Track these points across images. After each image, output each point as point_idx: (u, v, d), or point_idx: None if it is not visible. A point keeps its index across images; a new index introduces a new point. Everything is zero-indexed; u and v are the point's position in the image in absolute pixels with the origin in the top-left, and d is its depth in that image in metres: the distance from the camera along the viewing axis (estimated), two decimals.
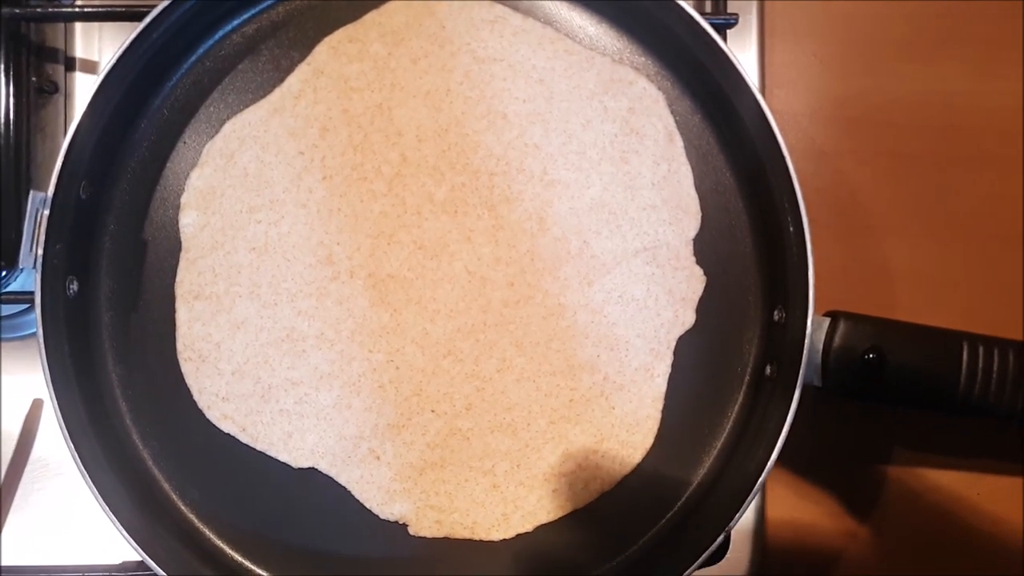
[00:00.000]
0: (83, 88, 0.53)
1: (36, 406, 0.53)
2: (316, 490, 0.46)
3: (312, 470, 0.45)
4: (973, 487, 0.51)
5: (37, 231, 0.41)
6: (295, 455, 0.45)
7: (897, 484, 0.51)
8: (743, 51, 0.52)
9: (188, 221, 0.46)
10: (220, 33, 0.47)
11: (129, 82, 0.45)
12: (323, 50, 0.46)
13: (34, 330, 0.52)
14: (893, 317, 0.44)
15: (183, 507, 0.46)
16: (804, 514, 0.52)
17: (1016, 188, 0.53)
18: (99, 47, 0.54)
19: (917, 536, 0.51)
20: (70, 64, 0.53)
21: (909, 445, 0.52)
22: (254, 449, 0.46)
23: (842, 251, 0.53)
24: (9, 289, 0.50)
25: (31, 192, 0.42)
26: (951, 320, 0.45)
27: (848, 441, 0.52)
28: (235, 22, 0.47)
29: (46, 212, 0.42)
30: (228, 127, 0.46)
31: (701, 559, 0.42)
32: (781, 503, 0.51)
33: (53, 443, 0.52)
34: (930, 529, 0.52)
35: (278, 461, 0.45)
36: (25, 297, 0.48)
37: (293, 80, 0.46)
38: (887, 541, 0.51)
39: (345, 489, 0.46)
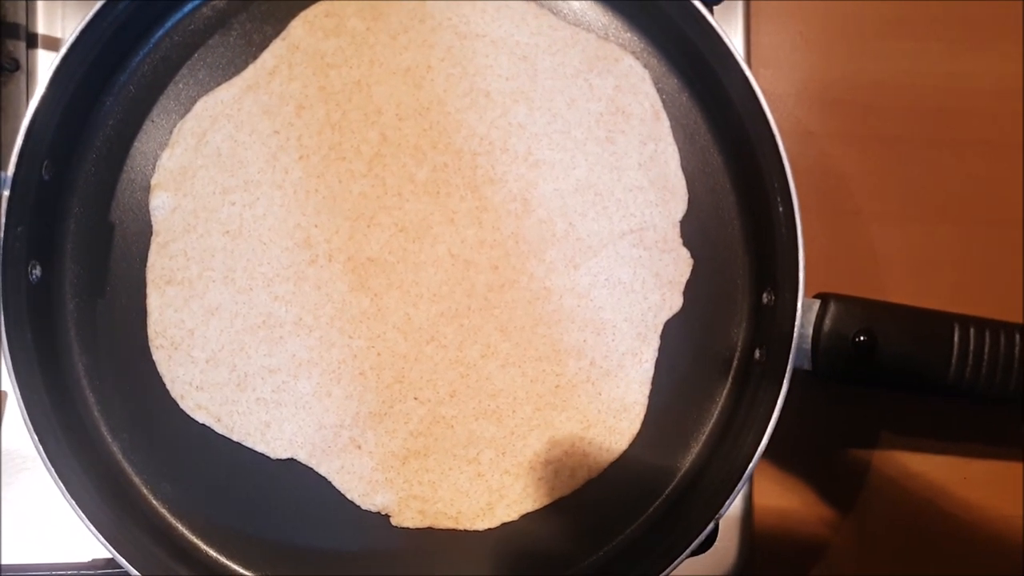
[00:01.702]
0: (45, 66, 0.51)
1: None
2: (295, 482, 0.44)
3: (291, 461, 0.44)
4: (959, 474, 0.51)
5: None
6: (273, 446, 0.44)
7: (884, 469, 0.51)
8: (729, 31, 0.51)
9: (158, 203, 0.44)
10: (189, 6, 0.46)
11: (93, 57, 0.43)
12: (298, 24, 0.45)
13: None
14: (883, 299, 0.44)
15: (155, 502, 0.45)
16: (791, 500, 0.51)
17: (1004, 170, 0.53)
18: (62, 24, 0.52)
19: (904, 521, 0.51)
20: (32, 41, 0.51)
21: (896, 430, 0.51)
22: (230, 440, 0.44)
23: (829, 233, 0.52)
24: None
25: None
26: (939, 302, 0.44)
27: (835, 426, 0.51)
28: None
29: (6, 192, 0.40)
30: (199, 105, 0.44)
31: (690, 548, 0.41)
32: (768, 489, 0.51)
33: (18, 436, 0.50)
34: (916, 517, 0.51)
35: (255, 452, 0.44)
36: None
37: (267, 56, 0.45)
38: (874, 526, 0.51)
39: (325, 480, 0.44)
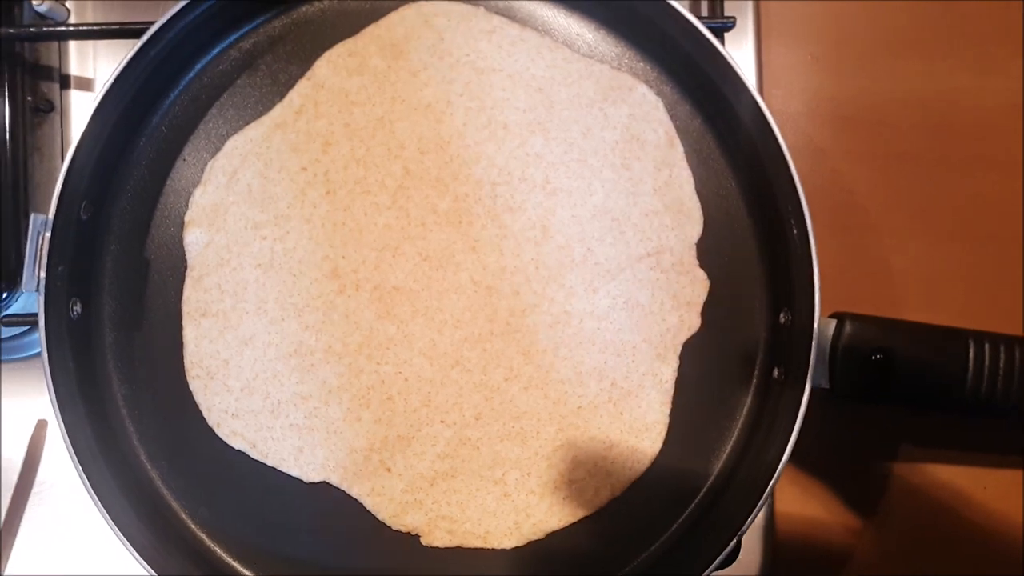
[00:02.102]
0: (79, 106, 0.53)
1: (40, 427, 0.52)
2: (328, 504, 0.45)
3: (323, 484, 0.45)
4: (979, 483, 0.52)
5: (39, 254, 0.41)
6: (306, 470, 0.45)
7: (903, 481, 0.52)
8: (740, 52, 0.53)
9: (192, 239, 0.46)
10: (217, 49, 0.47)
11: (127, 100, 0.45)
12: (323, 64, 0.46)
13: (36, 351, 0.53)
14: (896, 316, 0.45)
15: (193, 526, 0.46)
16: (813, 507, 0.52)
17: (1015, 187, 0.53)
18: (94, 65, 0.54)
19: (924, 532, 0.52)
20: (65, 82, 0.53)
21: (915, 442, 0.52)
22: (265, 465, 0.45)
23: (841, 250, 0.53)
24: (11, 311, 0.49)
25: (32, 215, 0.41)
26: (952, 318, 0.45)
27: (854, 439, 0.52)
28: (232, 37, 0.47)
29: (47, 234, 0.41)
30: (230, 144, 0.46)
31: (715, 564, 0.42)
32: (790, 495, 0.51)
33: (58, 465, 0.52)
34: (937, 525, 0.52)
35: (289, 476, 0.45)
36: (28, 319, 0.48)
37: (294, 95, 0.46)
38: (894, 537, 0.52)
39: (357, 502, 0.46)
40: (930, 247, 0.53)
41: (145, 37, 0.43)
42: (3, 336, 0.52)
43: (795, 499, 0.52)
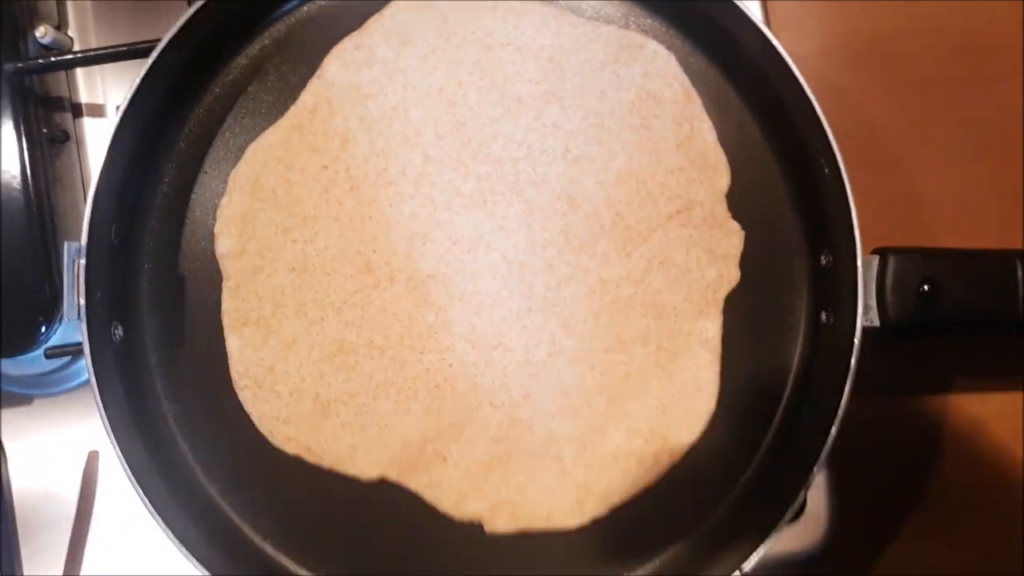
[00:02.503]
0: (93, 133, 0.53)
1: (92, 458, 0.53)
2: (388, 501, 0.45)
3: (382, 481, 0.45)
4: None
5: (76, 281, 0.41)
6: (362, 468, 0.45)
7: (960, 414, 0.51)
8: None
9: (224, 250, 0.46)
10: (225, 59, 0.47)
11: (143, 122, 0.45)
12: (331, 61, 0.46)
13: (76, 382, 0.53)
14: (935, 246, 0.44)
15: (257, 539, 0.46)
16: (868, 454, 0.51)
17: None
18: (103, 90, 0.54)
19: (982, 467, 0.51)
20: (77, 111, 0.53)
21: (967, 372, 0.51)
22: (321, 468, 0.45)
23: (871, 186, 0.51)
24: (52, 344, 0.50)
25: (65, 243, 0.41)
26: (991, 240, 0.44)
27: (904, 375, 0.51)
28: (238, 45, 0.47)
29: (82, 261, 0.41)
30: (250, 151, 0.46)
31: (784, 519, 0.41)
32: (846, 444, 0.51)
33: (114, 494, 0.52)
34: (995, 456, 0.51)
35: (346, 477, 0.45)
36: (71, 349, 0.48)
37: (306, 95, 0.46)
38: (955, 472, 0.51)
39: (417, 496, 0.45)
40: (960, 171, 0.52)
41: (153, 56, 0.43)
42: (45, 371, 0.52)
43: (852, 442, 0.51)
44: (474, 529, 0.45)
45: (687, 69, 0.47)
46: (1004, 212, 0.51)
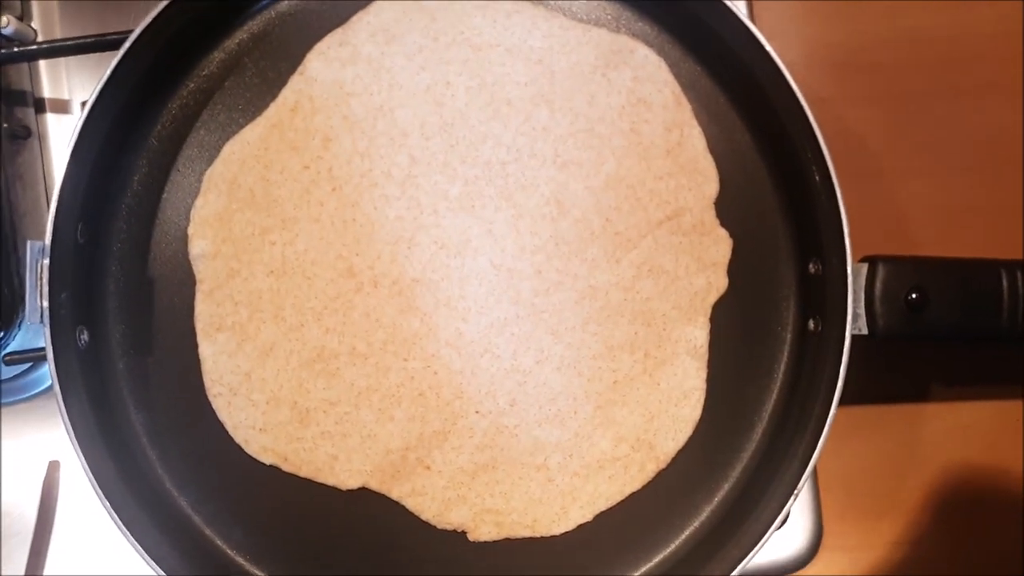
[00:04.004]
0: (57, 130, 0.51)
1: (52, 469, 0.50)
2: (369, 511, 0.44)
3: (362, 491, 0.44)
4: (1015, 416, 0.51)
5: (39, 282, 0.39)
6: (342, 477, 0.44)
7: (944, 421, 0.51)
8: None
9: (198, 252, 0.44)
10: (200, 52, 0.45)
11: (112, 117, 0.42)
12: (313, 57, 0.45)
13: (37, 390, 0.50)
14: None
15: (230, 551, 0.44)
16: (853, 461, 0.51)
17: (1018, 111, 0.53)
18: (68, 85, 0.52)
19: (960, 464, 0.51)
20: (40, 106, 0.51)
21: (951, 381, 0.52)
22: (299, 478, 0.44)
23: (856, 196, 0.51)
24: (10, 349, 0.47)
25: (28, 242, 0.39)
26: (975, 250, 0.45)
27: (891, 383, 0.52)
28: (214, 38, 0.45)
29: (46, 261, 0.39)
30: (226, 150, 0.44)
31: (772, 528, 0.41)
32: (828, 453, 0.51)
33: (76, 506, 0.50)
34: (976, 463, 0.52)
35: (325, 487, 0.44)
36: (33, 355, 0.45)
37: (287, 92, 0.44)
38: (937, 478, 0.51)
39: (399, 505, 0.44)
40: (944, 182, 0.53)
41: (125, 47, 0.41)
42: (4, 377, 0.49)
43: (833, 450, 0.51)
44: (457, 538, 0.44)
45: (677, 75, 0.46)
46: (987, 223, 0.52)
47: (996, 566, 0.50)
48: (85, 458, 0.39)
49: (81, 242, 0.42)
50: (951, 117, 0.53)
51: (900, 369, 0.52)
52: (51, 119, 0.51)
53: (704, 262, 0.46)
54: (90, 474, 0.39)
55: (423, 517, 0.44)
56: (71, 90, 0.51)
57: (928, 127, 0.53)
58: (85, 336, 0.42)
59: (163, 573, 0.40)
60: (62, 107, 0.51)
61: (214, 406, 0.43)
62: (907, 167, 0.53)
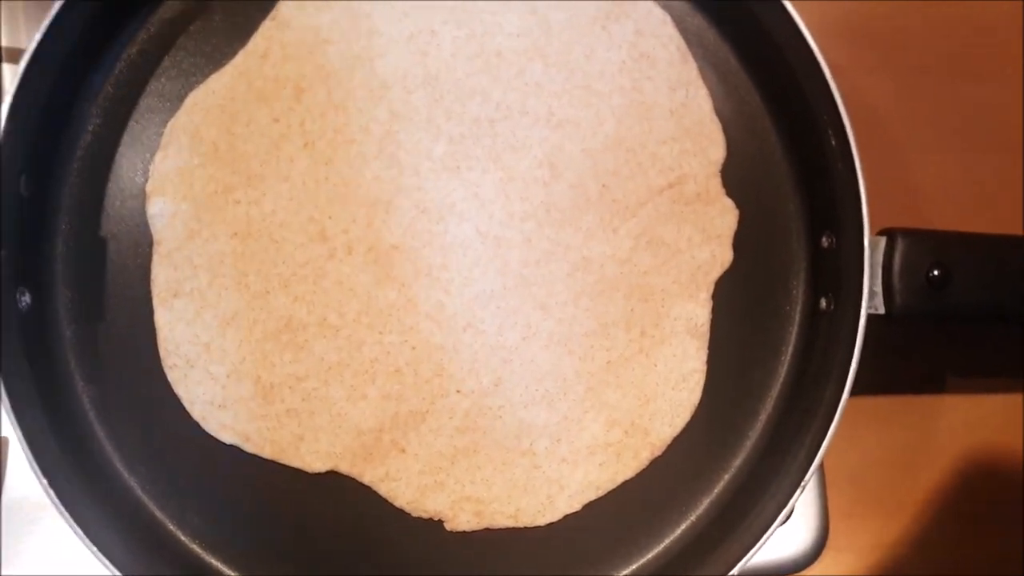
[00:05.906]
0: (10, 78, 0.47)
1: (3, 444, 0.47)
2: (337, 496, 0.41)
3: (331, 474, 0.41)
4: None
5: None
6: (309, 459, 0.40)
7: (959, 412, 0.49)
8: None
9: (156, 210, 0.40)
10: None
11: (62, 59, 0.39)
12: (287, 1, 0.41)
13: None
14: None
15: (184, 538, 0.41)
16: (862, 448, 0.48)
17: None
18: (26, 32, 0.48)
19: (975, 459, 0.49)
20: None
21: (969, 369, 0.49)
22: (261, 459, 0.40)
23: (870, 168, 0.49)
24: None
25: None
26: (991, 227, 0.42)
27: (907, 367, 0.48)
28: None
29: None
30: (190, 100, 0.41)
31: (775, 524, 0.38)
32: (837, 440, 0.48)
33: (26, 483, 0.46)
34: (995, 459, 0.49)
35: (290, 469, 0.40)
36: None
37: (257, 38, 0.41)
38: (949, 467, 0.49)
39: (370, 490, 0.41)
40: (961, 159, 0.50)
41: None
42: None
43: (841, 443, 0.48)
44: (433, 527, 0.41)
45: (683, 30, 0.43)
46: (1005, 200, 0.50)
47: (1016, 568, 0.47)
48: (24, 434, 0.36)
49: (24, 195, 0.39)
50: (967, 93, 0.51)
51: (914, 356, 0.49)
52: (7, 70, 0.48)
53: (708, 233, 0.42)
54: (28, 452, 0.36)
55: (397, 504, 0.41)
56: (29, 37, 0.48)
57: (944, 102, 0.51)
58: (27, 299, 0.39)
59: (107, 560, 0.36)
60: (17, 57, 0.47)
61: (169, 379, 0.40)
62: (922, 141, 0.50)
